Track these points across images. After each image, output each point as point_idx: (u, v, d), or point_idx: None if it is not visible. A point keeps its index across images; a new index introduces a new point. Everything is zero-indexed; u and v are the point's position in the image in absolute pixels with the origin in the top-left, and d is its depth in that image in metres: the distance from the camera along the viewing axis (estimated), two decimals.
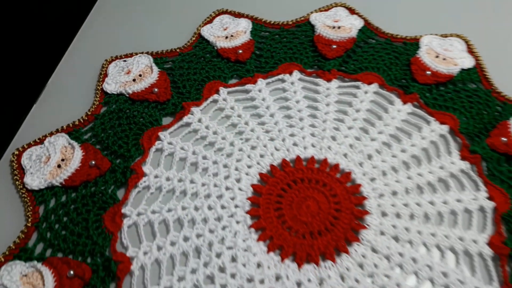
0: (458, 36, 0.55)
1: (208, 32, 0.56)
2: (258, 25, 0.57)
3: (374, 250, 0.39)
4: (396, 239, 0.40)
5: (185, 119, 0.48)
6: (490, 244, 0.39)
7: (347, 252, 0.39)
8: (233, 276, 0.38)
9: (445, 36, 0.55)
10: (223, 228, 0.41)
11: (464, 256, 0.39)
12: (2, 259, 0.38)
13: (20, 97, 0.51)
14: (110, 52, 0.54)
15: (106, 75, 0.52)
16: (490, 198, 0.41)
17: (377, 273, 0.38)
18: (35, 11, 0.57)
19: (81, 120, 0.48)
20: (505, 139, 0.44)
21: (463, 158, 0.44)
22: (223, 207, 0.42)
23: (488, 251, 0.39)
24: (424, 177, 0.43)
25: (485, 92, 0.49)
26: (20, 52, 0.54)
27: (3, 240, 0.40)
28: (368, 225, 0.40)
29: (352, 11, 0.58)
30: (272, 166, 0.44)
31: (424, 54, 0.52)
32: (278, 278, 0.38)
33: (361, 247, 0.39)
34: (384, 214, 0.41)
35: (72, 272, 0.37)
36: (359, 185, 0.43)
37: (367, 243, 0.39)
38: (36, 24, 0.57)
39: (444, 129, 0.46)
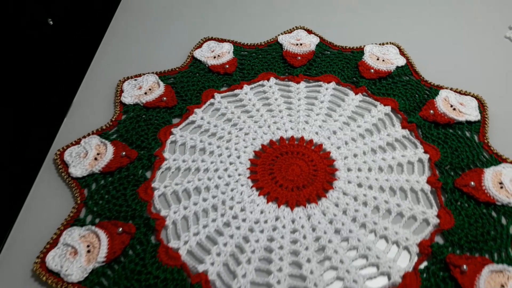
0: (392, 43, 0.72)
1: (199, 54, 0.70)
2: (238, 47, 0.72)
3: (345, 193, 0.53)
4: (359, 185, 0.53)
5: (190, 118, 0.61)
6: (429, 182, 0.53)
7: (325, 196, 0.52)
8: (244, 220, 0.50)
9: (382, 44, 0.72)
10: (232, 190, 0.53)
11: (411, 192, 0.53)
12: (62, 227, 0.49)
13: (53, 111, 0.63)
14: (121, 74, 0.67)
15: (122, 91, 0.64)
16: (425, 152, 0.56)
17: (349, 209, 0.51)
18: (58, 42, 0.70)
19: (107, 125, 0.60)
20: (432, 111, 0.60)
21: (403, 127, 0.59)
22: (229, 176, 0.55)
23: (427, 187, 0.53)
24: (376, 143, 0.58)
25: (416, 81, 0.65)
26: (48, 77, 0.66)
27: (59, 217, 0.51)
28: (338, 177, 0.54)
29: (309, 31, 0.74)
30: (262, 145, 0.58)
31: (368, 58, 0.68)
32: (277, 218, 0.50)
33: (335, 192, 0.53)
34: (349, 170, 0.55)
35: (120, 229, 0.48)
36: (329, 152, 0.57)
37: (339, 189, 0.53)
38: (57, 54, 0.70)
39: (388, 109, 0.62)
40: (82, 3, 0.81)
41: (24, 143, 0.60)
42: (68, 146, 0.57)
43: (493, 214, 0.50)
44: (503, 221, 0.49)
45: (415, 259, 0.47)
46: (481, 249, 0.47)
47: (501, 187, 0.51)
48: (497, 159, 0.55)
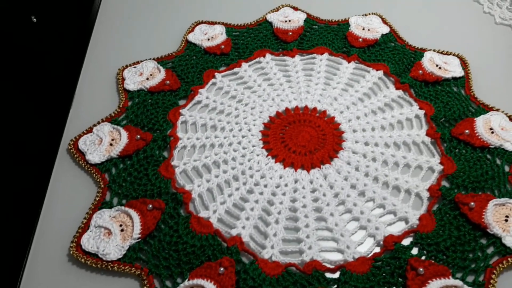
0: (374, 13, 0.76)
1: (193, 38, 0.72)
2: (229, 28, 0.74)
3: (354, 152, 0.56)
4: (366, 144, 0.57)
5: (196, 98, 0.63)
6: (428, 134, 0.58)
7: (336, 157, 0.56)
8: (265, 186, 0.53)
9: (365, 15, 0.75)
10: (249, 160, 0.56)
11: (413, 145, 0.57)
12: (90, 212, 0.51)
13: (57, 105, 0.63)
14: (117, 63, 0.68)
15: (123, 78, 0.65)
16: (420, 108, 0.61)
17: (360, 165, 0.55)
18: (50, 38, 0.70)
19: (116, 112, 0.61)
20: (421, 72, 0.65)
21: (397, 88, 0.64)
22: (244, 148, 0.57)
23: (427, 139, 0.57)
24: (375, 104, 0.62)
25: (401, 46, 0.70)
26: (46, 73, 0.66)
27: (85, 204, 0.52)
28: (345, 139, 0.58)
29: (295, 8, 0.77)
30: (270, 117, 0.61)
31: (354, 29, 0.72)
32: (296, 181, 0.54)
33: (345, 152, 0.56)
34: (354, 131, 0.59)
35: (151, 206, 0.50)
36: (334, 117, 0.60)
37: (348, 149, 0.57)
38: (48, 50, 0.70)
39: (380, 73, 0.66)
40: None
41: (34, 139, 0.60)
42: (80, 136, 0.58)
43: (488, 156, 0.55)
44: (498, 161, 0.55)
45: (427, 202, 0.51)
46: (483, 188, 0.52)
47: (492, 132, 0.57)
48: (484, 109, 0.60)
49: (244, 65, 0.68)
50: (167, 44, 0.72)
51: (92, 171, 0.55)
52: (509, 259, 0.46)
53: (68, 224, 0.50)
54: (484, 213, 0.49)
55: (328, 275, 0.45)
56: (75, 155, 0.56)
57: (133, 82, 0.65)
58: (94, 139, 0.58)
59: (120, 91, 0.64)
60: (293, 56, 0.69)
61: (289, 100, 0.63)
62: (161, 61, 0.69)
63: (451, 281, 0.44)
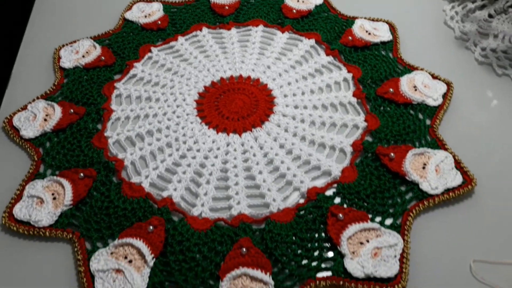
0: None
1: (130, 16, 0.72)
2: (167, 5, 0.75)
3: (284, 115, 0.58)
4: (296, 107, 0.59)
5: (131, 72, 0.64)
6: (354, 95, 0.60)
7: (268, 120, 0.58)
8: (198, 150, 0.55)
9: None
10: (182, 128, 0.57)
11: (340, 106, 0.60)
12: (23, 183, 0.51)
13: None
14: (55, 42, 0.68)
15: (59, 57, 0.66)
16: (348, 72, 0.63)
17: (289, 127, 0.57)
18: None
19: (51, 89, 0.62)
20: (350, 38, 0.67)
21: (327, 54, 0.66)
22: (178, 116, 0.59)
23: (354, 99, 0.60)
24: (306, 71, 0.64)
25: (334, 16, 0.72)
26: None
27: (19, 176, 0.53)
28: (276, 104, 0.60)
29: None
30: (205, 87, 0.62)
31: (289, 1, 0.74)
32: (228, 144, 0.55)
33: (276, 116, 0.58)
34: (285, 96, 0.61)
35: (82, 174, 0.51)
36: (266, 85, 0.62)
37: (278, 112, 0.59)
38: None
39: (312, 41, 0.68)
40: None
41: None
42: (15, 113, 0.58)
43: (411, 112, 0.58)
44: (420, 116, 0.57)
45: (351, 156, 0.54)
46: (404, 140, 0.55)
47: (415, 90, 0.60)
48: (410, 69, 0.63)
49: (181, 39, 0.69)
50: (105, 23, 0.72)
51: (26, 146, 0.55)
52: (425, 202, 0.49)
53: (3, 196, 0.51)
54: (403, 162, 0.51)
55: (255, 226, 0.47)
56: (10, 132, 0.57)
57: (69, 60, 0.65)
58: (29, 116, 0.58)
59: (56, 70, 0.64)
60: (229, 29, 0.70)
61: (224, 70, 0.64)
62: (98, 39, 0.69)
63: (369, 224, 0.46)
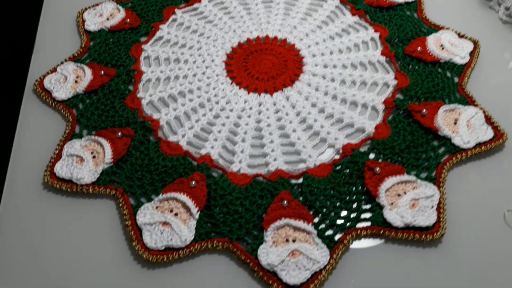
0: None
1: None
2: None
3: (314, 75, 0.59)
4: (325, 66, 0.60)
5: (157, 34, 0.64)
6: (383, 53, 0.61)
7: (298, 80, 0.58)
8: (231, 110, 0.55)
9: None
10: (214, 88, 0.58)
11: (369, 64, 0.60)
12: (61, 143, 0.52)
13: (19, 49, 0.63)
14: (76, 6, 0.68)
15: (83, 20, 0.65)
16: (375, 31, 0.63)
17: (320, 86, 0.58)
18: None
19: (79, 52, 0.61)
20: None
21: (353, 14, 0.66)
22: (208, 77, 0.59)
23: (382, 58, 0.60)
24: (332, 30, 0.64)
25: None
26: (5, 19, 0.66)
27: (55, 137, 0.53)
28: (305, 63, 0.60)
29: None
30: (233, 48, 0.62)
31: None
32: (260, 104, 0.56)
33: (306, 75, 0.59)
34: (314, 55, 0.61)
35: (120, 134, 0.52)
36: (294, 45, 0.62)
37: (308, 72, 0.59)
38: None
39: (337, 2, 0.68)
40: None
41: None
42: (45, 76, 0.59)
43: (439, 70, 0.58)
44: (448, 74, 0.58)
45: (383, 114, 0.55)
46: (434, 98, 0.55)
47: (442, 49, 0.60)
48: (435, 29, 0.63)
49: (204, 1, 0.68)
50: None
51: (60, 108, 0.56)
52: (458, 155, 0.50)
53: (41, 156, 0.51)
54: (435, 118, 0.52)
55: (293, 181, 0.49)
56: (42, 94, 0.57)
57: (93, 23, 0.65)
58: (59, 78, 0.58)
59: (81, 33, 0.64)
60: None
61: (250, 31, 0.64)
62: (120, 1, 0.68)
63: (405, 177, 0.48)
